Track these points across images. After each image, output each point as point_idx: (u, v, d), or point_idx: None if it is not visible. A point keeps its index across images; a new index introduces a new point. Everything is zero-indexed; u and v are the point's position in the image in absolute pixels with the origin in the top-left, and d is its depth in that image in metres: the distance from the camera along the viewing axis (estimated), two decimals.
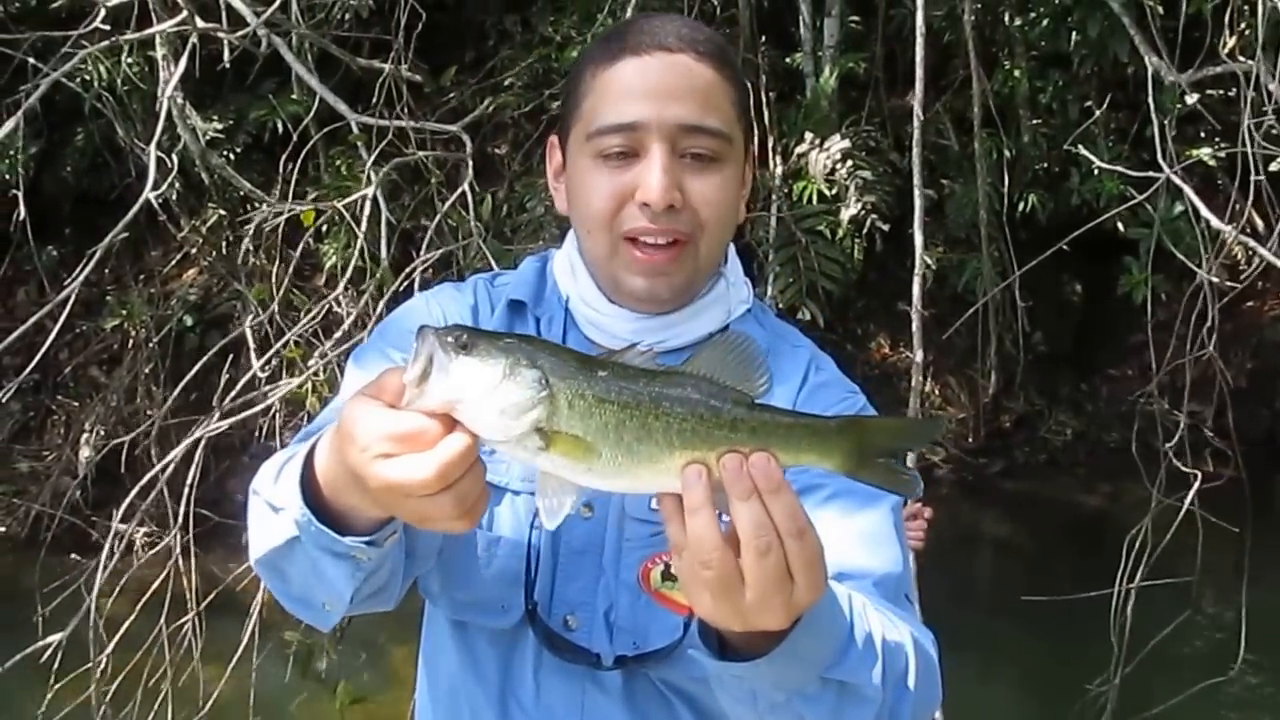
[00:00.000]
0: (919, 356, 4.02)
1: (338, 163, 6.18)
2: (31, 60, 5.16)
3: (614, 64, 1.23)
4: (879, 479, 0.94)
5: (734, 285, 1.33)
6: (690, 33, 1.25)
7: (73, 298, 4.17)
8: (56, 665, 3.68)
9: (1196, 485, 3.86)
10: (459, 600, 1.28)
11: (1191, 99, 5.20)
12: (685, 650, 1.20)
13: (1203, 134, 6.55)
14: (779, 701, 1.01)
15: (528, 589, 1.24)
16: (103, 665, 3.71)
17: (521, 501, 1.25)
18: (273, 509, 1.07)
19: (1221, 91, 5.99)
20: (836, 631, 1.01)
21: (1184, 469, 3.79)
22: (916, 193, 4.47)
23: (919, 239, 4.40)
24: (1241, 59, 4.60)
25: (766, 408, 0.92)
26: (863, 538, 1.17)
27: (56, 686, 3.70)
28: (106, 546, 3.90)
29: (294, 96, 6.36)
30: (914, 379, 3.95)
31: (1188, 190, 4.03)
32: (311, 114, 5.36)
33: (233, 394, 4.06)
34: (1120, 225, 5.80)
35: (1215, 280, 4.10)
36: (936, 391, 8.16)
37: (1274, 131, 3.94)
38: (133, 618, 3.86)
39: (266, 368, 4.17)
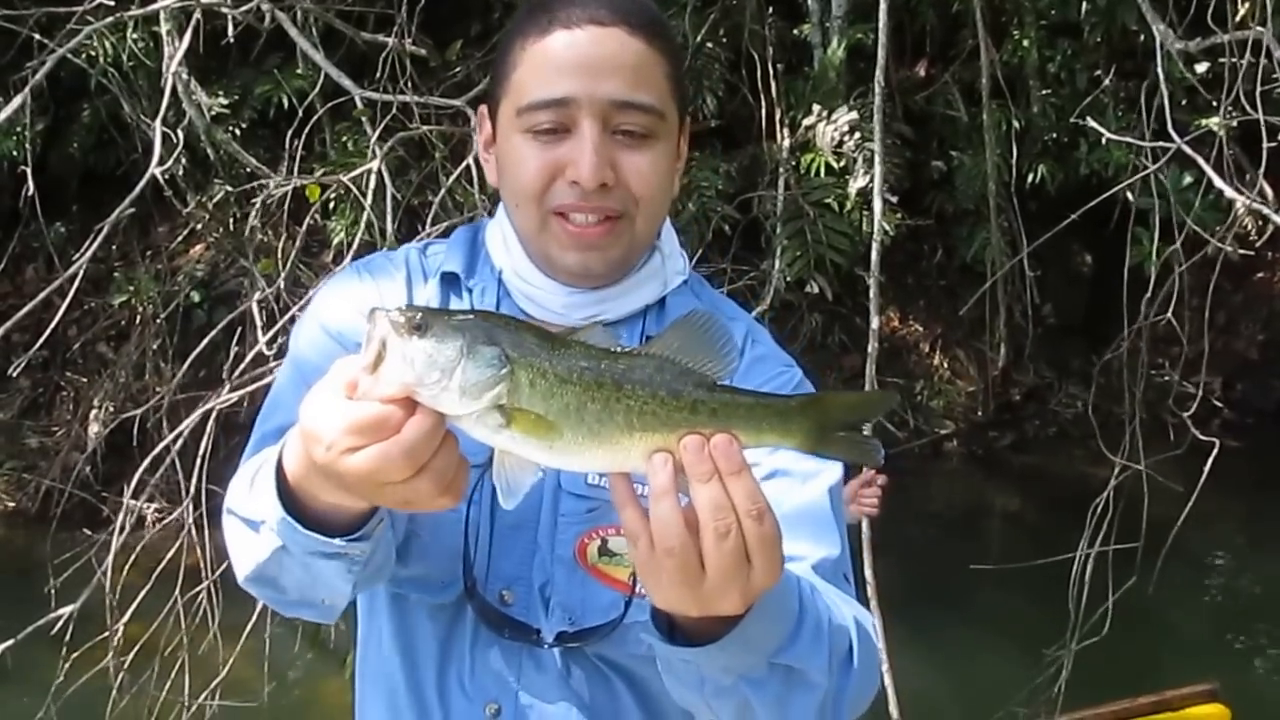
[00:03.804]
0: (875, 323, 4.12)
1: (344, 138, 6.16)
2: (36, 36, 5.15)
3: (544, 37, 1.20)
4: (841, 452, 0.95)
5: (669, 257, 1.32)
6: (623, 4, 1.22)
7: (80, 274, 4.19)
8: (69, 637, 3.71)
9: (1144, 459, 3.93)
10: (400, 575, 1.25)
11: (1201, 67, 5.15)
12: (624, 627, 1.20)
13: (1214, 103, 6.49)
14: (725, 685, 1.01)
15: (466, 564, 1.22)
16: (119, 635, 3.75)
17: None
18: (251, 526, 1.05)
19: (1234, 59, 5.93)
20: (787, 616, 1.01)
21: (1201, 438, 3.78)
22: (877, 160, 4.64)
23: (878, 205, 4.52)
24: (1254, 26, 4.55)
25: (727, 389, 0.92)
26: (801, 519, 1.16)
27: (74, 656, 3.74)
28: (119, 520, 3.94)
29: (299, 71, 6.34)
30: (870, 345, 3.99)
31: (1198, 159, 4.00)
32: (317, 89, 5.36)
33: (241, 368, 4.07)
34: (1130, 195, 5.77)
35: (1229, 248, 4.09)
36: (945, 364, 8.14)
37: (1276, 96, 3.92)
38: (147, 589, 3.89)
39: (273, 344, 4.18)
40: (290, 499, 0.99)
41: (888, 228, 5.33)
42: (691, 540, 0.88)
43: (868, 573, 3.52)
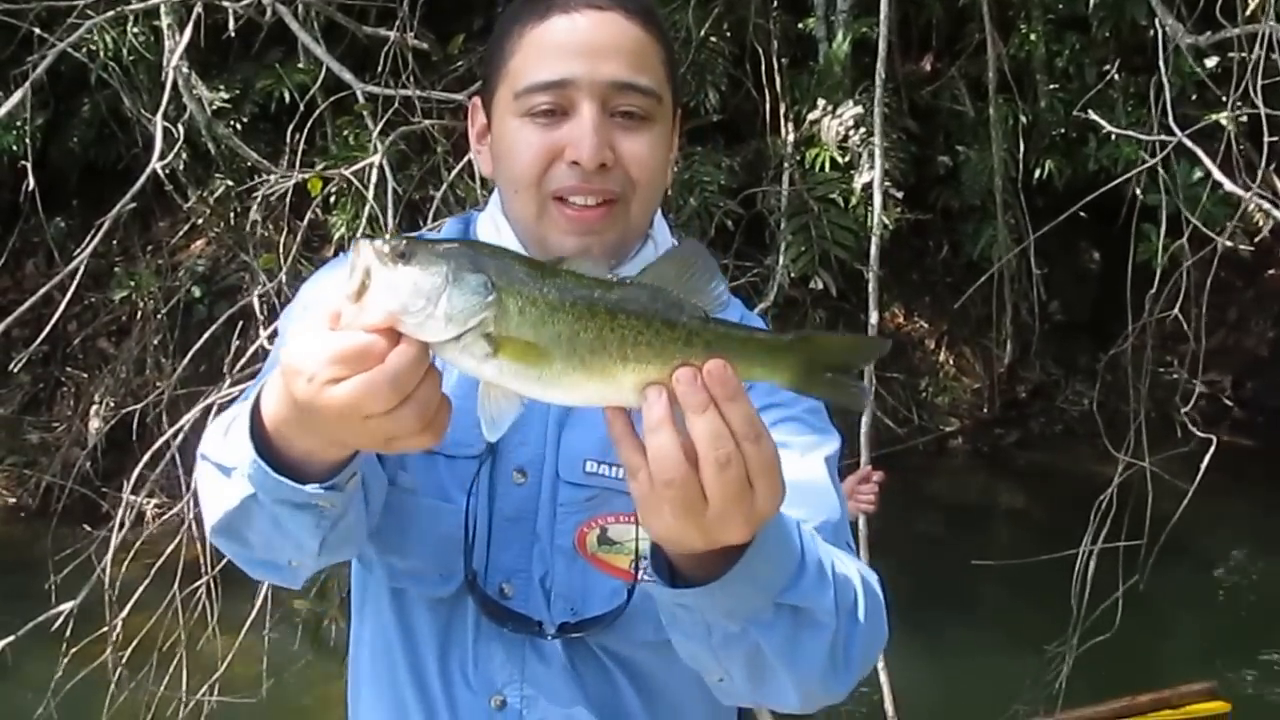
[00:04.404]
0: (874, 318, 4.19)
1: (345, 133, 6.15)
2: (37, 30, 5.15)
3: (542, 21, 1.21)
4: (827, 392, 0.95)
5: (662, 246, 1.32)
6: None
7: (81, 269, 4.18)
8: (69, 633, 3.70)
9: (1147, 457, 3.92)
10: (397, 568, 1.25)
11: (1211, 62, 5.10)
12: (627, 616, 1.20)
13: (1224, 98, 6.44)
14: (733, 632, 1.00)
15: (466, 556, 1.22)
16: (117, 631, 3.73)
17: (458, 466, 1.22)
18: (224, 471, 1.04)
19: (1243, 54, 5.89)
20: (789, 553, 1.01)
21: (1199, 434, 3.74)
22: (877, 154, 4.69)
23: (878, 199, 4.59)
24: (1264, 21, 4.51)
25: (720, 321, 0.91)
26: (801, 490, 1.14)
27: (72, 651, 3.74)
28: (118, 516, 3.92)
29: (300, 66, 6.32)
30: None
31: (1199, 152, 3.97)
32: (318, 83, 5.34)
33: (242, 362, 4.05)
34: (1139, 191, 5.72)
35: (1229, 243, 4.07)
36: (950, 361, 8.11)
37: None
38: (145, 584, 3.88)
39: (274, 339, 4.15)
40: (265, 445, 0.98)
41: (887, 222, 5.31)
42: (691, 471, 0.87)
43: None
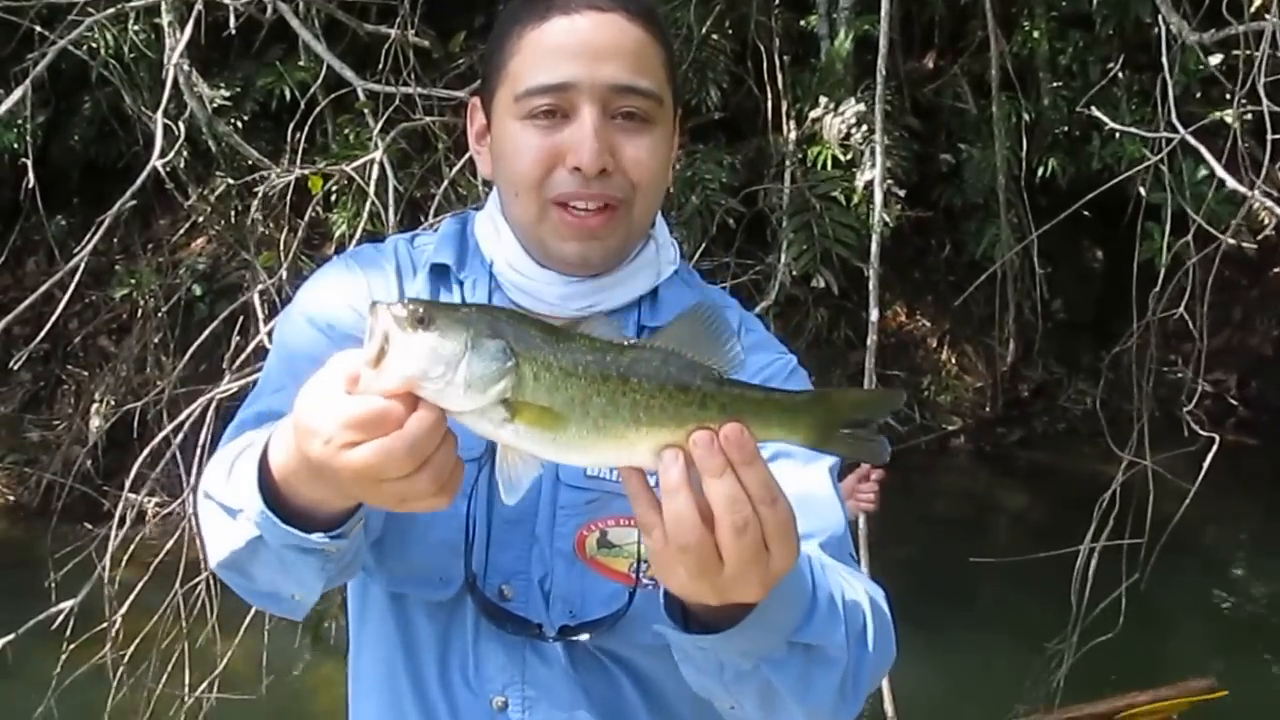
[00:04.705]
0: (874, 316, 4.13)
1: (346, 130, 6.15)
2: (37, 28, 5.14)
3: (543, 23, 1.20)
4: (846, 449, 0.95)
5: (662, 247, 1.32)
6: None
7: (81, 267, 4.18)
8: (69, 631, 3.70)
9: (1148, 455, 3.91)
10: (397, 573, 1.25)
11: (1215, 59, 5.08)
12: (628, 619, 1.20)
13: (1228, 95, 6.41)
14: (745, 670, 1.00)
15: (465, 558, 1.22)
16: (117, 628, 3.73)
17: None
18: (228, 512, 1.04)
19: (1249, 51, 5.87)
20: (802, 594, 1.01)
21: (1200, 433, 3.73)
22: (878, 150, 4.67)
23: (878, 196, 4.59)
24: (1269, 18, 4.49)
25: (735, 383, 0.91)
26: (804, 500, 1.15)
27: (72, 649, 3.73)
28: (119, 514, 3.92)
29: (301, 63, 6.32)
30: (870, 338, 4.02)
31: (1202, 150, 3.95)
32: (319, 81, 5.33)
33: (241, 359, 4.05)
34: (1143, 189, 5.71)
35: (1233, 242, 4.06)
36: (953, 360, 8.09)
37: None
38: (144, 580, 3.87)
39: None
40: (271, 492, 0.98)
41: (889, 220, 5.30)
42: (708, 534, 0.87)
43: (864, 570, 3.48)
